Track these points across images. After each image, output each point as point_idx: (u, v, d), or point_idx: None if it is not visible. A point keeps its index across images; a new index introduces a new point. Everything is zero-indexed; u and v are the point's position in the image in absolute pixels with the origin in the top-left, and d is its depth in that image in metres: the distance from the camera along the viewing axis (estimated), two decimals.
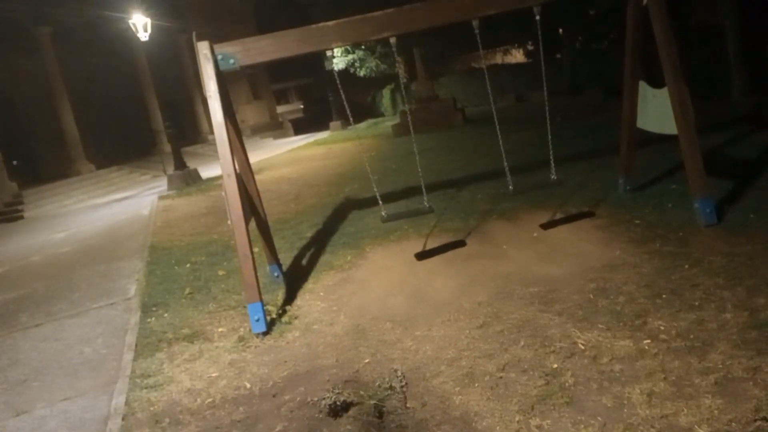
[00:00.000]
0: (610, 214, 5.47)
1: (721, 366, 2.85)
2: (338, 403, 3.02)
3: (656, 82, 5.27)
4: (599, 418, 2.64)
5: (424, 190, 5.29)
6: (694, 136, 4.81)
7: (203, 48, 4.59)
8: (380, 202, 5.26)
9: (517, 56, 24.28)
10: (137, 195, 14.21)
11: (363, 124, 22.86)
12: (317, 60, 21.69)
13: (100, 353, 4.61)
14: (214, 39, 4.80)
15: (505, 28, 16.51)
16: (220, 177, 7.90)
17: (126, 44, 18.60)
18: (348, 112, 5.48)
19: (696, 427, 2.48)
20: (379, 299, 4.53)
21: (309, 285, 5.16)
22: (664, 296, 3.68)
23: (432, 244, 5.59)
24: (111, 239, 9.05)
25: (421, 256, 5.22)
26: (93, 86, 19.34)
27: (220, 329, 4.54)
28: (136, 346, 4.51)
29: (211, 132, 9.31)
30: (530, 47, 21.20)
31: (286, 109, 37.13)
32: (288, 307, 4.73)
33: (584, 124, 10.93)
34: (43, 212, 14.17)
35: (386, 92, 24.99)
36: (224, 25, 22.81)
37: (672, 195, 5.68)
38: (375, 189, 5.18)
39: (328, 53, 5.04)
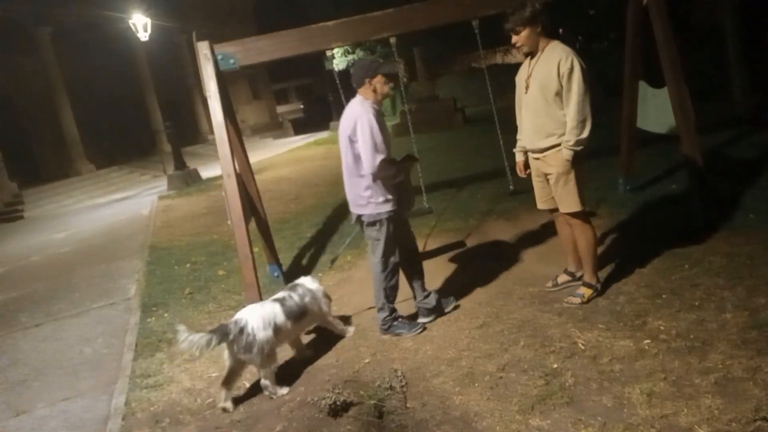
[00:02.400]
0: (610, 214, 5.47)
1: (721, 366, 2.85)
2: (338, 403, 3.02)
3: (656, 82, 5.27)
4: (599, 418, 2.64)
5: (423, 190, 5.29)
6: (694, 136, 4.81)
7: (203, 48, 4.59)
8: None
9: (517, 56, 24.28)
10: (137, 195, 14.21)
11: None
12: (317, 60, 21.71)
13: (100, 353, 4.61)
14: (214, 39, 4.80)
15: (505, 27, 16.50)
16: (220, 177, 7.90)
17: (126, 44, 18.62)
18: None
19: (696, 427, 2.48)
20: None
21: None
22: (664, 296, 3.68)
23: (431, 245, 5.60)
24: (111, 239, 9.05)
25: None
26: (93, 86, 19.33)
27: None
28: (136, 346, 4.52)
29: (211, 132, 9.31)
30: None
31: (286, 109, 37.15)
32: None
33: None
34: (43, 212, 14.17)
35: None
36: (224, 25, 22.82)
37: (672, 195, 5.68)
38: None
39: (328, 53, 5.04)
